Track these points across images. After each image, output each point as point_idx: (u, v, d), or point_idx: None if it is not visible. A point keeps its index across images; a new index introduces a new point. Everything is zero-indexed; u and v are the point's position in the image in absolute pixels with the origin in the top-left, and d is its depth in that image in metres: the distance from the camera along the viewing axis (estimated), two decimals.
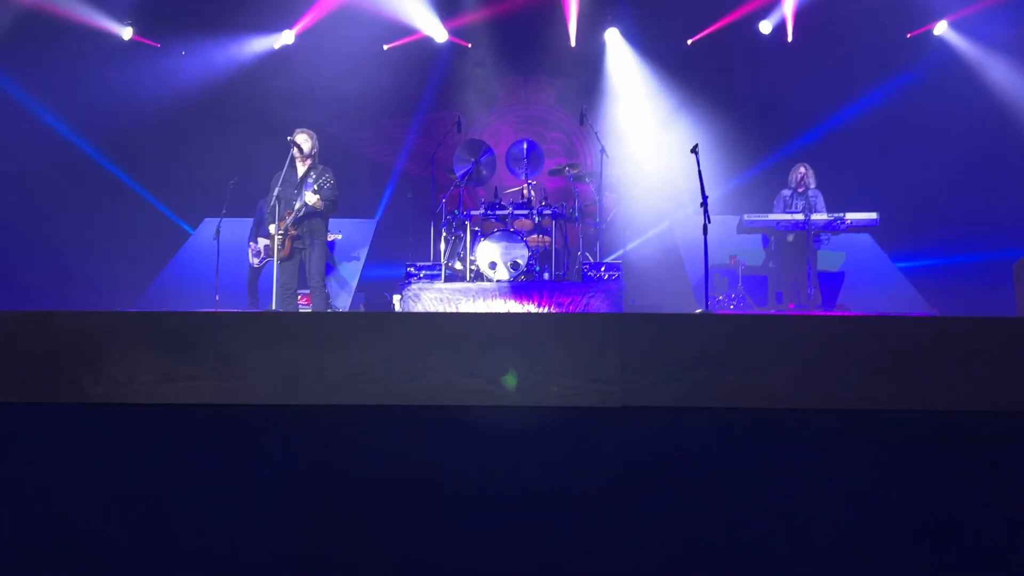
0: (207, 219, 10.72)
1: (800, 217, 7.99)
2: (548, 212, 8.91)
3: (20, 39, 8.93)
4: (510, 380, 1.85)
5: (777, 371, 1.85)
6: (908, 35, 10.57)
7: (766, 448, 1.82)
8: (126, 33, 10.51)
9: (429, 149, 10.94)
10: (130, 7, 10.36)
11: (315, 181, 6.51)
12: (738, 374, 1.84)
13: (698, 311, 6.88)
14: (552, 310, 7.98)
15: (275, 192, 6.57)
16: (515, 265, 8.37)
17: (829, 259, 8.75)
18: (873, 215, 8.02)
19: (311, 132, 6.80)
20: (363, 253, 9.92)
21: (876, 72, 10.77)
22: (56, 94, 9.33)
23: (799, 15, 10.64)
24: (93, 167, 9.86)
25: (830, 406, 1.87)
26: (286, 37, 11.34)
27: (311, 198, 6.35)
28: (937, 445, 1.81)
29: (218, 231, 8.33)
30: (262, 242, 8.61)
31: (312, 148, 6.74)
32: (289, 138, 6.65)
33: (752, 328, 1.89)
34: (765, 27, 10.93)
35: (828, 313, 7.84)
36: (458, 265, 9.03)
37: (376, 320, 1.94)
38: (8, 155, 8.49)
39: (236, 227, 9.24)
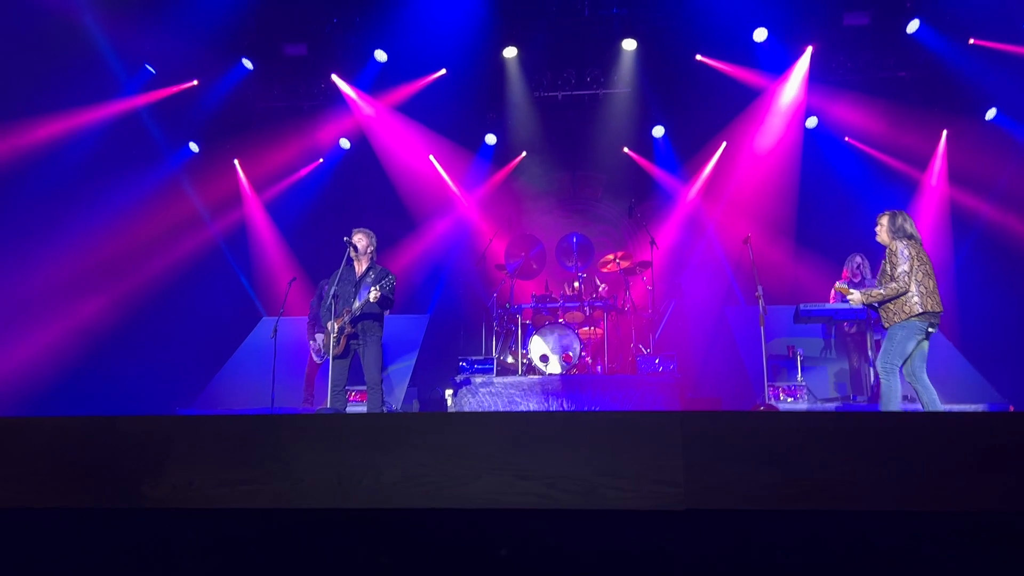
0: (265, 318, 10.96)
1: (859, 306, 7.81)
2: (599, 304, 8.91)
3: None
4: None
5: (850, 470, 1.76)
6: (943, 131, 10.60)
7: (844, 555, 1.72)
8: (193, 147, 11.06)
9: (480, 244, 11.11)
10: (195, 126, 10.92)
11: (375, 281, 6.59)
12: (809, 474, 1.75)
13: (758, 406, 6.69)
14: (606, 404, 7.85)
15: (332, 290, 6.68)
16: (567, 358, 8.32)
17: None
18: None
19: (368, 232, 6.93)
20: (416, 348, 9.97)
21: (922, 161, 10.77)
22: (116, 195, 9.68)
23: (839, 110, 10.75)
24: (153, 270, 10.14)
25: (908, 507, 1.76)
26: (342, 143, 11.82)
27: (375, 294, 6.40)
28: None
29: (275, 330, 8.49)
30: (320, 338, 8.75)
31: (368, 247, 6.86)
32: (346, 238, 6.79)
33: (822, 426, 1.81)
34: (811, 123, 11.03)
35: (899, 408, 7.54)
36: (510, 359, 9.01)
37: (431, 422, 1.91)
38: (67, 261, 8.80)
39: (293, 326, 9.42)
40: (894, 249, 5.64)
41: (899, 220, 5.78)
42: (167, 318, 10.09)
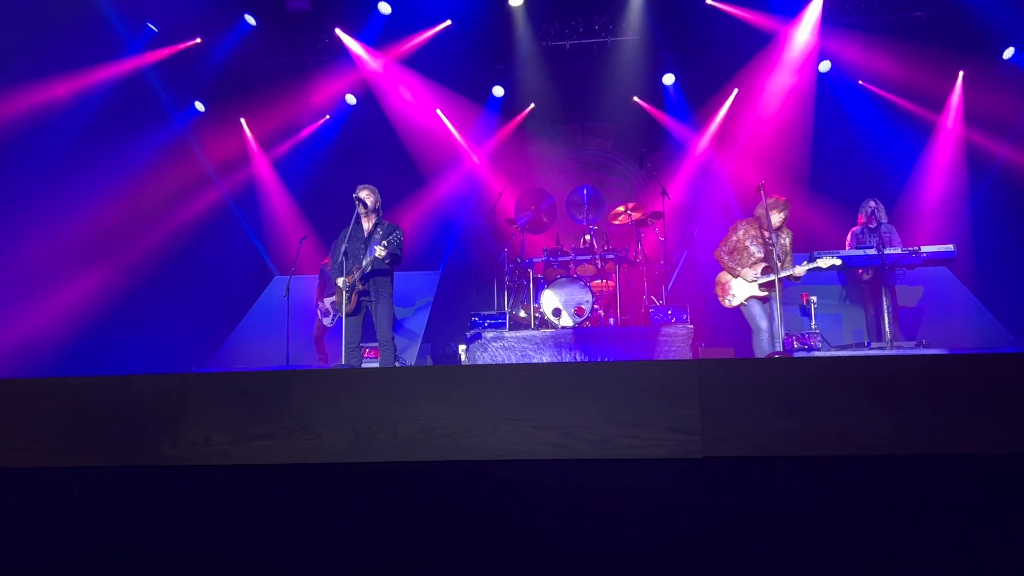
0: (277, 277, 10.98)
1: (872, 252, 7.73)
2: (611, 256, 8.86)
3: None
4: None
5: (869, 415, 1.75)
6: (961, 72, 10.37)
7: (865, 500, 1.71)
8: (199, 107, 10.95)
9: (490, 199, 11.05)
10: (200, 85, 10.81)
11: (383, 236, 6.57)
12: (827, 420, 1.74)
13: (774, 355, 6.68)
14: (619, 356, 7.86)
15: (342, 248, 6.67)
16: (579, 311, 8.31)
17: (907, 295, 8.43)
18: (950, 247, 7.71)
19: (373, 188, 6.89)
20: (428, 304, 9.99)
21: (937, 103, 10.58)
22: (123, 156, 9.62)
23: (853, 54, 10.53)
24: (163, 231, 10.11)
25: (930, 450, 1.75)
26: (348, 98, 11.70)
27: (381, 252, 6.37)
28: None
29: (288, 289, 8.51)
30: (328, 301, 8.78)
31: (375, 203, 6.83)
32: (354, 195, 6.76)
33: (840, 370, 1.79)
34: (824, 66, 10.81)
35: (916, 352, 7.52)
36: (522, 313, 9.01)
37: (448, 374, 1.90)
38: (78, 224, 8.78)
39: (306, 285, 9.45)
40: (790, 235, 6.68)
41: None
42: (180, 279, 10.12)
